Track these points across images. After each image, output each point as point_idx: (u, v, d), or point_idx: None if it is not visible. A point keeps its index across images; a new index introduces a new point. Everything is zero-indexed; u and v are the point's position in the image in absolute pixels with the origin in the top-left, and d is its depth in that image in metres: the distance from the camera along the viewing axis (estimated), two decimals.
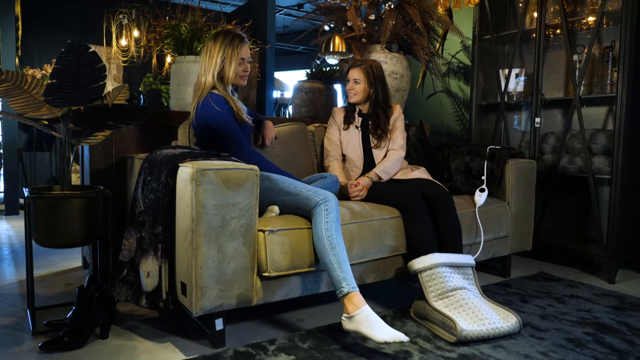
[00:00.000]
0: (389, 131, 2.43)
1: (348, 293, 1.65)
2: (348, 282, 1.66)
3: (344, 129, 2.48)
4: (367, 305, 1.63)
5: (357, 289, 1.66)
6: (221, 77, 2.00)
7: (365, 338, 1.60)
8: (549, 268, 2.82)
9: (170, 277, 1.68)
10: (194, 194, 1.52)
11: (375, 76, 2.41)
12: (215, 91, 1.97)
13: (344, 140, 2.47)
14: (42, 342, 1.62)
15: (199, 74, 2.02)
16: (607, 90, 2.73)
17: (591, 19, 2.85)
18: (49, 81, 1.68)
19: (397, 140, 2.42)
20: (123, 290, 1.74)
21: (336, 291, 1.67)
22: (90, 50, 1.68)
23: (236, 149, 1.96)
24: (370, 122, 2.44)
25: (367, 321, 1.59)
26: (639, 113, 2.63)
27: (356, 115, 2.47)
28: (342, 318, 1.65)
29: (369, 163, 2.40)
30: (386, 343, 1.58)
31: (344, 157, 2.49)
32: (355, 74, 2.41)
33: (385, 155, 2.40)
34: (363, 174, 2.35)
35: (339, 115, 2.52)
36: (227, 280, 1.60)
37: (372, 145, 2.41)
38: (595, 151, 2.74)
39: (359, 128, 2.44)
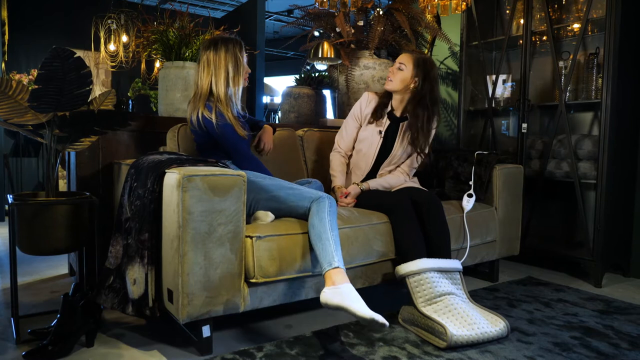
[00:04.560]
0: (423, 139, 2.19)
1: (337, 267, 1.63)
2: (339, 258, 1.66)
3: (369, 122, 2.23)
4: (350, 283, 1.61)
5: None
6: (228, 84, 1.99)
7: (346, 311, 1.53)
8: (536, 272, 2.84)
9: (157, 284, 1.67)
10: (180, 200, 1.51)
11: (426, 70, 2.13)
12: (220, 105, 1.96)
13: (362, 135, 2.27)
14: (26, 351, 1.59)
15: (198, 83, 2.00)
16: (592, 96, 2.76)
17: (576, 26, 2.89)
18: (34, 87, 1.66)
19: (413, 163, 2.28)
20: (109, 297, 1.72)
21: (324, 265, 1.63)
22: (76, 55, 1.67)
23: (239, 158, 1.99)
24: (402, 124, 2.22)
25: (352, 295, 1.56)
26: (623, 119, 2.67)
27: (385, 116, 2.20)
28: (324, 290, 1.58)
29: (375, 169, 2.31)
30: (365, 319, 1.50)
31: (353, 149, 2.32)
32: (403, 57, 2.13)
33: (395, 165, 2.28)
34: (365, 177, 2.31)
35: (368, 106, 2.27)
36: (214, 286, 1.59)
37: (398, 150, 2.22)
38: (581, 156, 2.77)
39: (382, 134, 2.23)
